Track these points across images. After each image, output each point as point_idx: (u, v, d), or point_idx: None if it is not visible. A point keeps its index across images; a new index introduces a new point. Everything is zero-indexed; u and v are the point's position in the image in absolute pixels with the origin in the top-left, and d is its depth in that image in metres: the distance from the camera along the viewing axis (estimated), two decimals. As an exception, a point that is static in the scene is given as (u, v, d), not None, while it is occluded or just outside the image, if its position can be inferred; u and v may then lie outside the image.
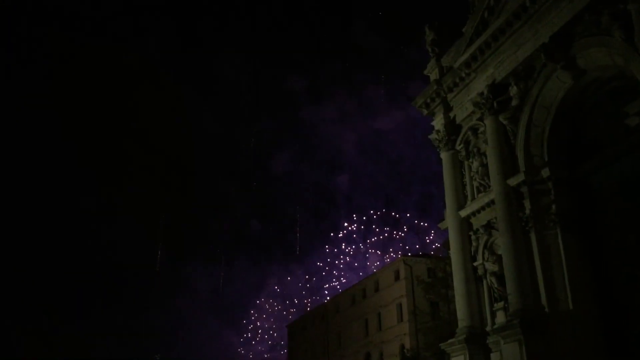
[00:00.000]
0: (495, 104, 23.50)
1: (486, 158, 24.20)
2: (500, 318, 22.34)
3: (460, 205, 25.26)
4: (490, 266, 23.32)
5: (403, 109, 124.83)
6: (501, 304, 22.57)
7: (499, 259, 22.87)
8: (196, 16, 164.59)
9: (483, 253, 23.93)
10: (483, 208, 24.04)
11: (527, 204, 21.96)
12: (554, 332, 20.07)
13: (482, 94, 24.03)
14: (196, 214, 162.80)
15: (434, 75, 27.88)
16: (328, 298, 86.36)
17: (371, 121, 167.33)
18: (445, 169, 26.51)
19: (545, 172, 21.81)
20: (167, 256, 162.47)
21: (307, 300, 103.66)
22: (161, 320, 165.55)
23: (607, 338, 20.13)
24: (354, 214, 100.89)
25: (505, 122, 23.19)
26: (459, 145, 26.07)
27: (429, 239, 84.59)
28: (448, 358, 25.23)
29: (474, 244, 24.54)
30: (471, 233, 24.75)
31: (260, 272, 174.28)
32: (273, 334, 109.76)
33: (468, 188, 25.36)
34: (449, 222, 25.58)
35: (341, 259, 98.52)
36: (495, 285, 22.98)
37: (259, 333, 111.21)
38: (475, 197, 24.78)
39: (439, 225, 27.78)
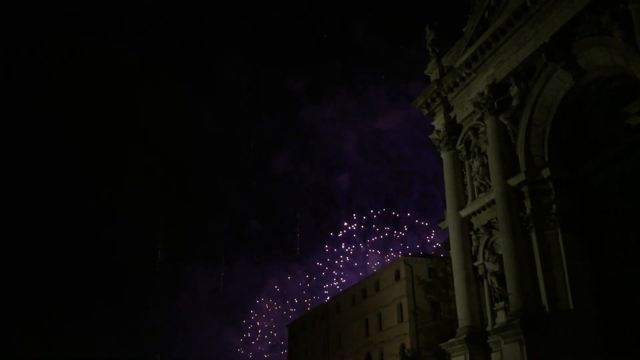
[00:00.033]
0: (495, 104, 23.51)
1: (487, 158, 24.21)
2: (501, 318, 22.34)
3: (461, 205, 25.27)
4: (491, 266, 23.32)
5: (403, 109, 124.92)
6: (502, 303, 22.57)
7: (499, 259, 22.89)
8: (196, 16, 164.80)
9: (483, 253, 23.94)
10: (483, 208, 24.06)
11: (527, 203, 21.97)
12: (555, 332, 20.07)
13: (482, 94, 24.04)
14: (196, 214, 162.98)
15: (434, 75, 27.89)
16: (328, 298, 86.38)
17: (371, 121, 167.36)
18: (445, 169, 26.53)
19: (545, 172, 21.82)
20: (167, 256, 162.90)
21: (307, 300, 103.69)
22: (161, 320, 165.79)
23: (608, 338, 20.13)
24: (354, 213, 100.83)
25: (505, 122, 23.20)
26: (460, 145, 26.08)
27: (430, 238, 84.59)
28: (448, 358, 25.25)
29: (474, 243, 24.56)
30: (472, 233, 24.76)
31: (260, 272, 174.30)
32: (273, 334, 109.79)
33: (468, 188, 25.38)
34: (450, 222, 25.60)
35: (341, 258, 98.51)
36: (496, 285, 22.98)
37: (258, 333, 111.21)
38: (476, 197, 24.79)
39: (440, 225, 27.80)
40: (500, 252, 22.82)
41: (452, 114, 26.73)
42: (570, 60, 20.84)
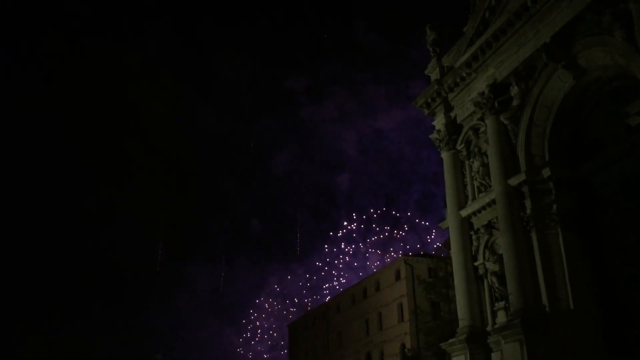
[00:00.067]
0: (496, 104, 23.51)
1: (487, 158, 24.21)
2: (501, 318, 22.35)
3: (461, 205, 25.28)
4: (491, 266, 23.33)
5: (403, 109, 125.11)
6: (502, 303, 22.58)
7: (499, 259, 22.90)
8: (196, 16, 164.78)
9: (484, 253, 23.95)
10: (484, 208, 24.06)
11: (528, 203, 21.97)
12: (555, 331, 20.08)
13: (483, 93, 24.04)
14: (196, 214, 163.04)
15: (434, 75, 27.89)
16: (329, 298, 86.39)
17: (371, 121, 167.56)
18: (446, 168, 26.53)
19: (546, 172, 21.83)
20: (167, 256, 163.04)
21: (308, 299, 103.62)
22: (161, 320, 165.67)
23: (608, 338, 20.14)
24: (354, 213, 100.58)
25: (506, 122, 23.20)
26: (460, 145, 26.09)
27: (430, 238, 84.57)
28: (449, 358, 25.28)
29: (474, 243, 24.56)
30: (472, 233, 24.76)
31: (260, 271, 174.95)
32: (273, 334, 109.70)
33: (469, 188, 25.38)
34: (450, 222, 25.61)
35: (341, 258, 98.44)
36: (496, 285, 22.99)
37: (258, 333, 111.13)
38: (476, 196, 24.80)
39: (440, 224, 27.83)
40: (500, 252, 22.83)
41: (452, 114, 26.73)
42: (570, 60, 20.84)
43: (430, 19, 29.41)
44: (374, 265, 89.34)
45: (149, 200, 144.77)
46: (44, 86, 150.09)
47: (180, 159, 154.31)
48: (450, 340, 24.13)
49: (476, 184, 25.00)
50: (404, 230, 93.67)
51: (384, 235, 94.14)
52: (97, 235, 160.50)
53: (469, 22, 24.83)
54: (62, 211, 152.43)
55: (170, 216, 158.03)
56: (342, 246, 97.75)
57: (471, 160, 25.45)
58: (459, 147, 26.16)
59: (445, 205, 26.70)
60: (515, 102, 22.96)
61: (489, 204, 23.74)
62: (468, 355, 22.94)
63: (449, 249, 26.83)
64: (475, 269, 24.19)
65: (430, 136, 27.80)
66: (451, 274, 28.02)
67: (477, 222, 24.56)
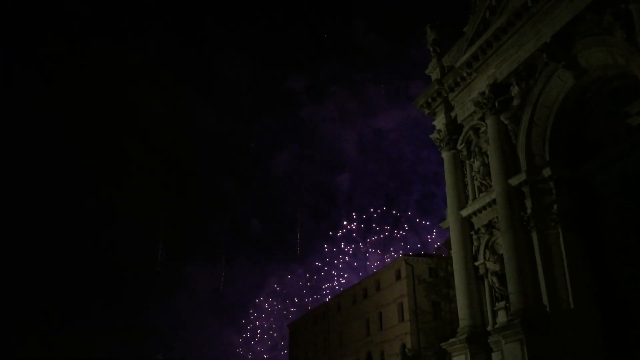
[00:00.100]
0: (496, 104, 23.52)
1: (487, 158, 24.23)
2: (502, 317, 22.36)
3: (462, 205, 25.29)
4: (492, 266, 23.34)
5: (404, 109, 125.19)
6: (502, 303, 22.59)
7: (500, 259, 22.91)
8: (196, 16, 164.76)
9: (484, 252, 23.96)
10: (484, 207, 24.07)
11: (528, 203, 21.99)
12: (555, 331, 20.10)
13: (483, 93, 24.05)
14: (196, 214, 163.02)
15: (435, 74, 27.89)
16: (329, 297, 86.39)
17: (371, 121, 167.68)
18: (446, 168, 26.54)
19: (546, 172, 21.83)
20: (167, 256, 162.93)
21: (308, 299, 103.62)
22: (161, 320, 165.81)
23: (608, 338, 20.15)
24: (354, 213, 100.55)
25: (506, 122, 23.21)
26: (461, 144, 26.10)
27: (430, 238, 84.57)
28: (449, 357, 25.29)
29: (475, 243, 24.57)
30: (472, 232, 24.78)
31: (260, 271, 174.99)
32: (273, 334, 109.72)
33: (469, 188, 25.39)
34: (450, 222, 25.62)
35: (341, 258, 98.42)
36: (497, 285, 23.00)
37: (258, 333, 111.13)
38: (477, 196, 24.81)
39: (440, 224, 27.83)
40: (501, 251, 22.84)
41: (453, 114, 26.74)
42: (571, 60, 20.85)
43: (431, 19, 29.39)
44: (374, 265, 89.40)
45: (149, 200, 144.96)
46: (44, 86, 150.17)
47: (180, 159, 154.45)
48: (451, 340, 24.14)
49: (477, 183, 25.01)
50: (404, 230, 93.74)
51: (384, 235, 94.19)
52: (97, 235, 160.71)
53: (470, 22, 24.84)
54: (62, 211, 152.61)
55: (170, 216, 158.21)
56: (342, 246, 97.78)
57: (472, 160, 25.46)
58: (459, 147, 26.17)
59: (445, 205, 26.71)
60: (515, 102, 22.97)
61: (489, 204, 23.75)
62: (468, 355, 22.95)
63: (450, 248, 26.86)
64: (476, 268, 24.20)
65: (431, 136, 27.81)
66: (452, 274, 28.05)
67: (478, 222, 24.57)
